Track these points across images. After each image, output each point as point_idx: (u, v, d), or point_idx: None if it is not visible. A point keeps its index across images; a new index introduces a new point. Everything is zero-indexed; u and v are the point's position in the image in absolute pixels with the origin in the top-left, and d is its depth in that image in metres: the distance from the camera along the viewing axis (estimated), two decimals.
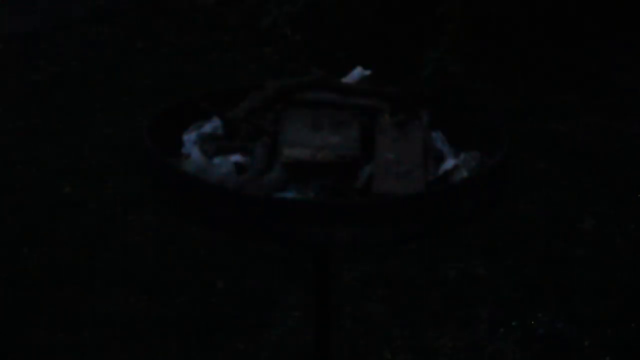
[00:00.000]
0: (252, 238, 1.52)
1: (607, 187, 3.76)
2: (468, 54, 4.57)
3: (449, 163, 1.65)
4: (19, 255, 3.27)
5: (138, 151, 2.52)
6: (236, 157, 1.64)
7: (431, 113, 1.79)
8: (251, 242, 3.07)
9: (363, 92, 1.79)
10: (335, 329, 2.75)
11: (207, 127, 1.74)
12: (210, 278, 3.14)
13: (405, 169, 1.60)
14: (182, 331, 2.87)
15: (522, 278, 3.15)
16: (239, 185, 1.57)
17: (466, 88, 4.43)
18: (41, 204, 3.62)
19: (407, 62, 4.84)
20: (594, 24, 4.97)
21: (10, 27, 5.66)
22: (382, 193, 1.55)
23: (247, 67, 5.12)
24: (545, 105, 4.50)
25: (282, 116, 1.72)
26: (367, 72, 1.87)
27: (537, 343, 2.84)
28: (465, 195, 1.53)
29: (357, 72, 1.87)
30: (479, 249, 3.30)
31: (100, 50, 5.40)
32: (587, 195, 3.69)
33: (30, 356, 2.79)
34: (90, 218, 3.53)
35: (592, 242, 3.37)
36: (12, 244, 3.34)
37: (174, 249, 3.31)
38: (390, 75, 3.28)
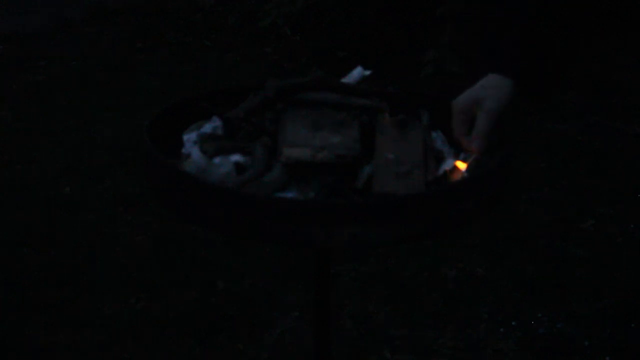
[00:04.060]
0: (252, 238, 1.51)
1: (607, 187, 3.76)
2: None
3: (449, 163, 1.65)
4: (19, 255, 3.27)
5: (138, 151, 2.52)
6: (236, 157, 1.63)
7: (431, 113, 1.79)
8: (251, 242, 3.07)
9: (363, 92, 1.79)
10: (335, 329, 2.76)
11: (207, 127, 1.74)
12: (210, 278, 3.14)
13: (405, 169, 1.60)
14: (182, 331, 2.87)
15: (522, 278, 3.15)
16: (239, 185, 1.57)
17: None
18: (41, 204, 3.62)
19: (407, 62, 4.85)
20: (594, 24, 4.97)
21: (10, 27, 5.67)
22: (382, 193, 1.55)
23: (247, 67, 5.12)
24: (545, 105, 4.50)
25: (282, 116, 1.72)
26: (367, 72, 1.87)
27: (537, 343, 2.84)
28: (465, 195, 1.53)
29: (357, 72, 1.87)
30: (479, 249, 3.30)
31: (100, 50, 5.41)
32: (587, 195, 3.70)
33: (30, 356, 2.79)
34: (90, 218, 3.53)
35: (592, 242, 3.37)
36: (12, 244, 3.34)
37: (174, 249, 3.31)
38: (390, 75, 3.28)
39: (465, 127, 1.64)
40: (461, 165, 1.64)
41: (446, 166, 1.65)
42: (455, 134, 1.65)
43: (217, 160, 1.63)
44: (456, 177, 1.63)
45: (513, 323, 2.92)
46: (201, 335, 2.86)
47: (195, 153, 1.64)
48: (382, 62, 4.73)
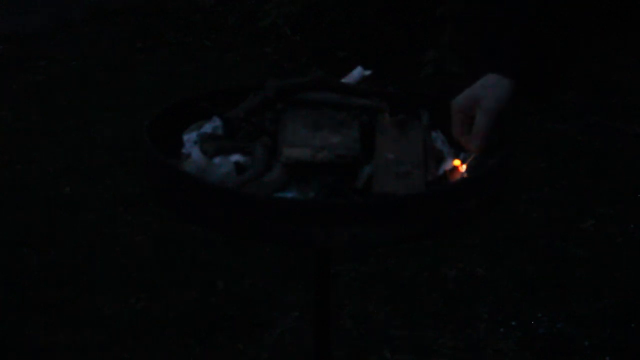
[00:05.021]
0: (252, 238, 1.51)
1: (607, 187, 3.76)
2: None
3: (449, 163, 1.65)
4: (19, 255, 3.27)
5: (138, 151, 2.52)
6: (236, 157, 1.64)
7: (431, 113, 1.79)
8: (251, 242, 3.07)
9: (363, 92, 1.79)
10: (335, 329, 2.76)
11: (207, 127, 1.74)
12: (210, 278, 3.14)
13: (405, 169, 1.60)
14: (182, 331, 2.87)
15: (522, 278, 3.15)
16: (239, 185, 1.57)
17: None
18: (41, 204, 3.62)
19: (407, 62, 4.85)
20: (594, 24, 4.97)
21: (10, 27, 5.66)
22: (382, 193, 1.55)
23: (247, 67, 5.12)
24: (545, 105, 4.50)
25: (282, 116, 1.72)
26: (367, 72, 1.87)
27: (537, 343, 2.84)
28: (465, 195, 1.53)
29: (357, 72, 1.87)
30: (479, 249, 3.30)
31: (100, 50, 5.41)
32: (587, 195, 3.70)
33: (30, 356, 2.79)
34: (90, 218, 3.53)
35: (592, 242, 3.37)
36: (12, 244, 3.34)
37: (174, 249, 3.31)
38: (390, 75, 3.28)
39: (464, 127, 1.64)
40: (461, 166, 1.64)
41: (446, 166, 1.65)
42: (454, 134, 1.65)
43: (217, 160, 1.63)
44: (456, 177, 1.63)
45: (513, 323, 2.92)
46: (201, 335, 2.86)
47: (195, 153, 1.64)
48: (382, 62, 4.73)
